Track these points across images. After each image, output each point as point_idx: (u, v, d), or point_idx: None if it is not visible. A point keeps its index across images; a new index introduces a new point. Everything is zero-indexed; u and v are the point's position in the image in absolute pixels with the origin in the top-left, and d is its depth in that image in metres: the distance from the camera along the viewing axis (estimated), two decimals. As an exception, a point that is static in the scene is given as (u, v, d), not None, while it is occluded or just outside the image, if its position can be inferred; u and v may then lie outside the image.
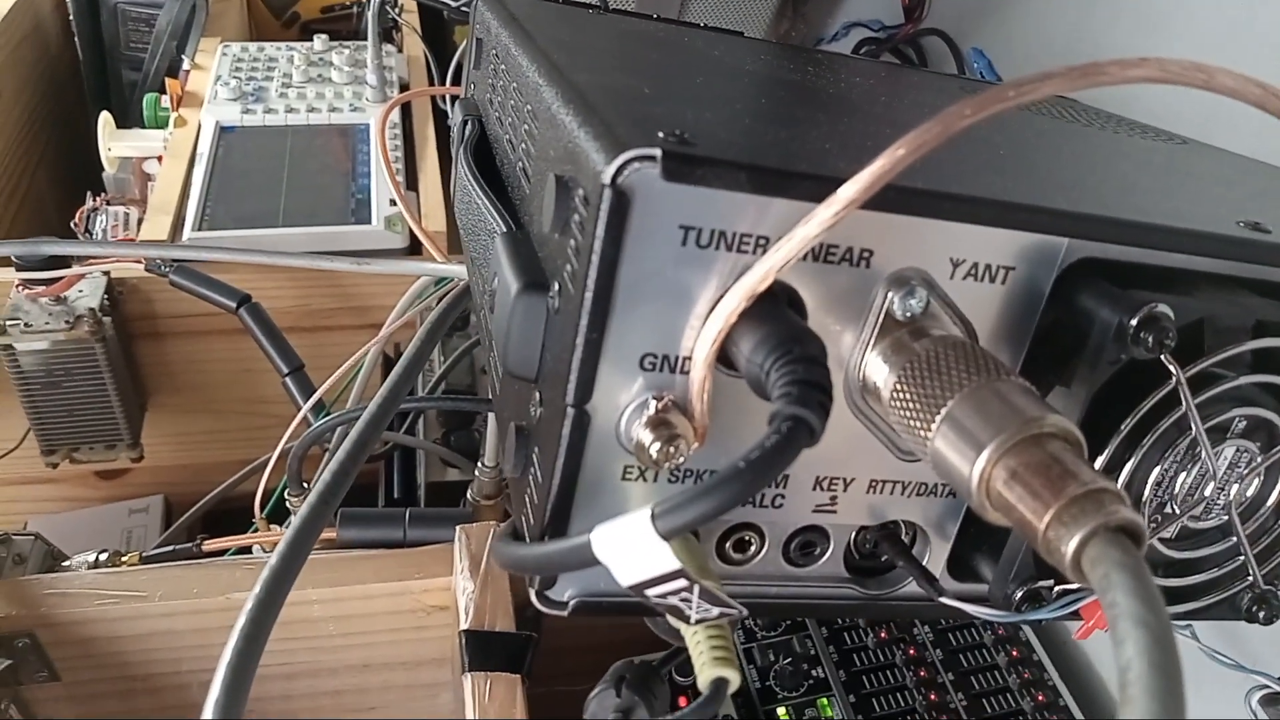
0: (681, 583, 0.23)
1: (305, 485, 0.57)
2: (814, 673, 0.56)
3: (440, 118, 0.91)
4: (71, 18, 1.01)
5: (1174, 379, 0.27)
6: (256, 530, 0.58)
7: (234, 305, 0.64)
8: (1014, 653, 0.58)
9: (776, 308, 0.24)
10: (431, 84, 0.94)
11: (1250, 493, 0.32)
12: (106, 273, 0.68)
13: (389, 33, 1.02)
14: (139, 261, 0.67)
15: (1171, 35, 0.58)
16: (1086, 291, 0.27)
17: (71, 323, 0.65)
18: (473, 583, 0.48)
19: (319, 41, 0.93)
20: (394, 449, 0.67)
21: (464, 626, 0.47)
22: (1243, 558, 0.32)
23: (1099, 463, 0.28)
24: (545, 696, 0.47)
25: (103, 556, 0.55)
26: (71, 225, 0.78)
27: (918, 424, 0.24)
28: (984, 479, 0.22)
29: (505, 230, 0.32)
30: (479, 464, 0.57)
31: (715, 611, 0.24)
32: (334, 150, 0.80)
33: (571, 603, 0.28)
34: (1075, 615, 0.32)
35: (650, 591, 0.23)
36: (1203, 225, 0.29)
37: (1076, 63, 0.21)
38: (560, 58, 0.34)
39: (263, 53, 0.92)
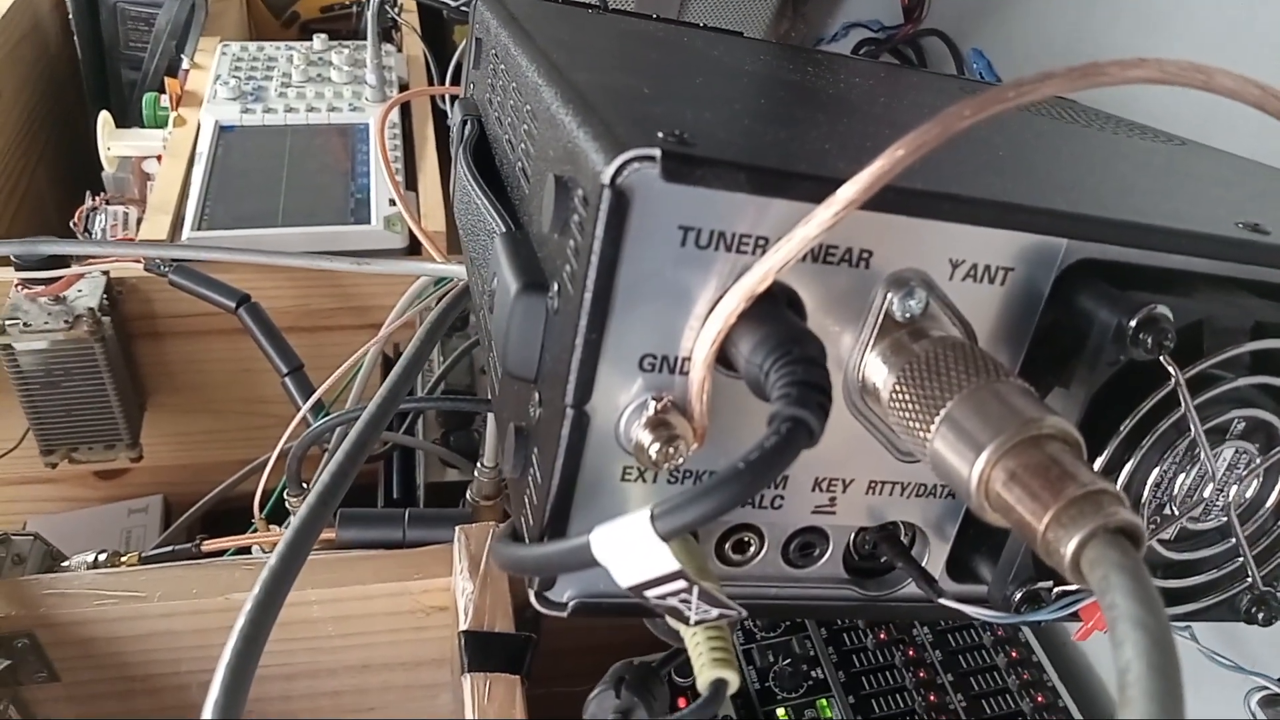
0: (681, 584, 0.23)
1: (304, 485, 0.57)
2: (813, 674, 0.56)
3: (440, 117, 0.91)
4: (71, 17, 1.01)
5: (1173, 380, 0.27)
6: (256, 530, 0.58)
7: (233, 305, 0.64)
8: (1013, 654, 0.58)
9: (776, 308, 0.24)
10: (431, 84, 0.94)
11: (1249, 494, 0.32)
12: (106, 272, 0.68)
13: (388, 32, 1.02)
14: (138, 261, 0.67)
15: (1171, 35, 0.58)
16: (1085, 292, 0.27)
17: (70, 322, 0.65)
18: (472, 583, 0.48)
19: (318, 41, 0.93)
20: (393, 449, 0.67)
21: (463, 627, 0.47)
22: (1242, 559, 0.32)
23: (1098, 464, 0.28)
24: (544, 697, 0.47)
25: (102, 557, 0.55)
26: (71, 225, 0.78)
27: (917, 425, 0.24)
28: (983, 480, 0.22)
29: (504, 230, 0.32)
30: (478, 464, 0.57)
31: (714, 613, 0.24)
32: (333, 150, 0.80)
33: (571, 604, 0.28)
34: (1074, 616, 0.32)
35: (649, 593, 0.23)
36: (1202, 226, 0.29)
37: (1076, 63, 0.21)
38: (559, 57, 0.34)
39: (262, 52, 0.92)
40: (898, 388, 0.25)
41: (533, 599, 0.28)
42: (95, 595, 0.49)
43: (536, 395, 0.27)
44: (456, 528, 0.52)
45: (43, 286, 0.65)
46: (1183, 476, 0.30)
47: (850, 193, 0.21)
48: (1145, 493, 0.29)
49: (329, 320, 0.73)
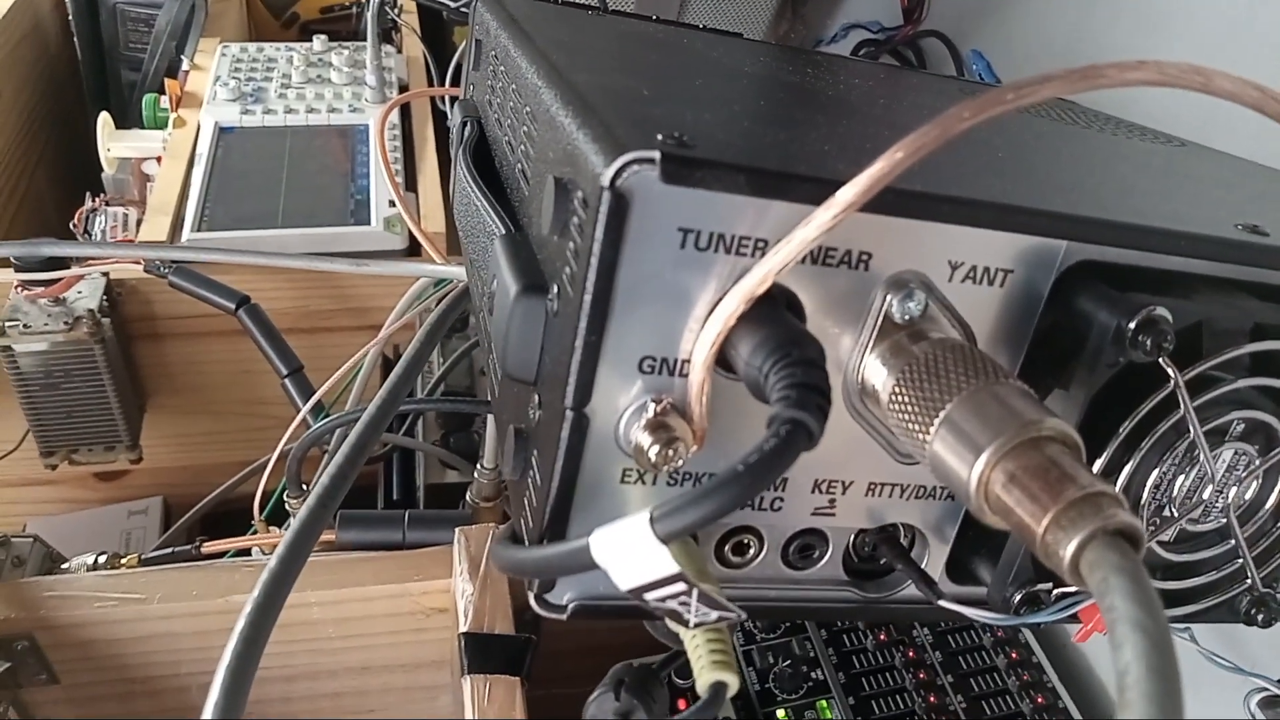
0: (680, 586, 0.23)
1: (304, 487, 0.57)
2: (813, 675, 0.56)
3: (439, 119, 0.91)
4: (71, 18, 1.01)
5: (1172, 382, 0.27)
6: (255, 532, 0.58)
7: (233, 306, 0.64)
8: (1013, 655, 0.58)
9: (775, 311, 0.24)
10: (431, 85, 0.94)
11: (1248, 495, 0.32)
12: (105, 274, 0.68)
13: (388, 33, 1.02)
14: (138, 262, 0.67)
15: (1171, 36, 0.58)
16: (1085, 294, 0.27)
17: (70, 324, 0.65)
18: (472, 585, 0.48)
19: (318, 42, 0.93)
20: (393, 451, 0.67)
21: (463, 629, 0.47)
22: (1241, 560, 0.32)
23: (1097, 466, 0.28)
24: (544, 699, 0.47)
25: (102, 559, 0.55)
26: (70, 226, 0.78)
27: (916, 427, 0.24)
28: (982, 482, 0.22)
29: (504, 232, 0.32)
30: (478, 466, 0.57)
31: (714, 615, 0.24)
32: (333, 151, 0.80)
33: (570, 606, 0.28)
34: (1074, 618, 0.32)
35: (649, 595, 0.23)
36: (1201, 228, 0.29)
37: (1075, 65, 0.21)
38: (559, 59, 0.34)
39: (262, 53, 0.92)
40: (897, 390, 0.25)
41: (532, 601, 0.28)
42: (95, 597, 0.49)
43: (536, 397, 0.27)
44: (456, 529, 0.52)
45: (42, 288, 0.65)
46: (1182, 478, 0.30)
47: (849, 195, 0.21)
48: (1145, 494, 0.29)
49: (329, 321, 0.73)
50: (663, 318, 0.25)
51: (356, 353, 0.60)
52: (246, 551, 0.57)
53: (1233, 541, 0.32)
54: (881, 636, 0.59)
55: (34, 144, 0.95)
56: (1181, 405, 0.28)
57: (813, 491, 0.29)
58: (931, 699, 0.55)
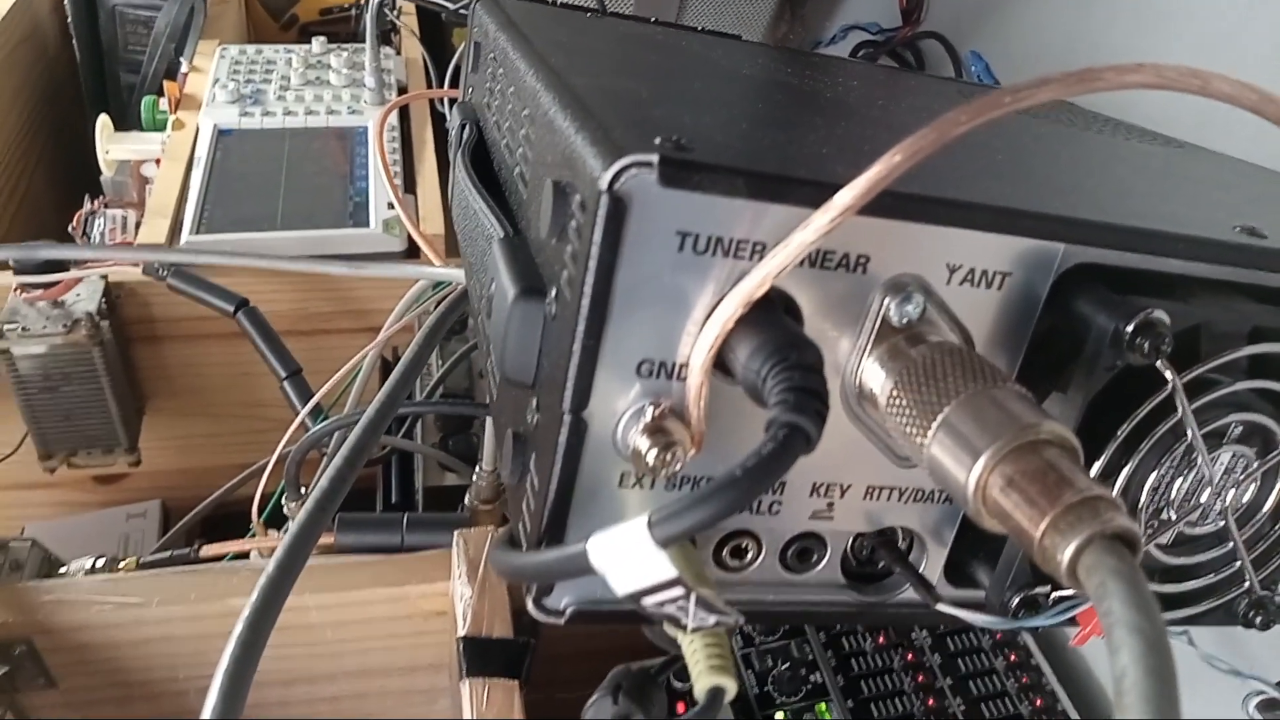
0: (678, 591, 0.23)
1: (303, 490, 0.57)
2: (812, 678, 0.56)
3: (438, 120, 0.91)
4: (70, 20, 1.01)
5: (1170, 385, 0.27)
6: (254, 535, 0.58)
7: (231, 309, 0.64)
8: (1012, 657, 0.58)
9: (773, 314, 0.24)
10: (430, 87, 0.94)
11: (1246, 498, 0.32)
12: (104, 276, 0.68)
13: (387, 35, 1.02)
14: (137, 265, 0.67)
15: (1170, 36, 0.58)
16: (1083, 297, 0.27)
17: (69, 327, 0.65)
18: (470, 588, 0.48)
19: (317, 44, 0.93)
20: (392, 453, 0.67)
21: (462, 632, 0.47)
22: (1239, 563, 0.32)
23: (1095, 469, 0.28)
24: (543, 702, 0.47)
25: (100, 562, 0.55)
26: (69, 229, 0.78)
27: (914, 430, 0.24)
28: (980, 486, 0.22)
29: (503, 235, 0.32)
30: (477, 468, 0.57)
31: (712, 620, 0.24)
32: (332, 153, 0.80)
33: (568, 611, 0.28)
34: (1072, 621, 0.31)
35: (646, 600, 0.23)
36: (1199, 230, 0.29)
37: (1073, 67, 0.21)
38: (558, 61, 0.34)
39: (261, 55, 0.92)
40: (895, 393, 0.25)
41: (530, 606, 0.28)
42: (93, 601, 0.49)
43: (534, 401, 0.27)
44: (455, 532, 0.52)
45: (41, 291, 0.65)
46: (1180, 481, 0.30)
47: (847, 198, 0.21)
48: (1143, 497, 0.29)
49: (327, 324, 0.73)
50: (661, 321, 0.25)
51: (355, 355, 0.60)
52: (245, 555, 0.56)
53: (1231, 544, 0.32)
54: (880, 639, 0.59)
55: (32, 146, 0.95)
56: (1179, 408, 0.28)
57: (811, 495, 0.29)
58: (930, 701, 0.55)
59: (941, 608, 0.31)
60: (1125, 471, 0.29)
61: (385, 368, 0.68)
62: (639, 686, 0.35)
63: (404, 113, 0.88)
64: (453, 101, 0.76)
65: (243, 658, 0.28)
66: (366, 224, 0.73)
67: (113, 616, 0.49)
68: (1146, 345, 0.26)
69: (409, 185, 0.80)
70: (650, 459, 0.24)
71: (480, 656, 0.46)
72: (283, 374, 0.62)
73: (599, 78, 0.34)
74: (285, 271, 0.67)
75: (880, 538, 0.31)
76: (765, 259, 0.23)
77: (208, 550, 0.56)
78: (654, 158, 0.22)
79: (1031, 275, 0.27)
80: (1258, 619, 0.33)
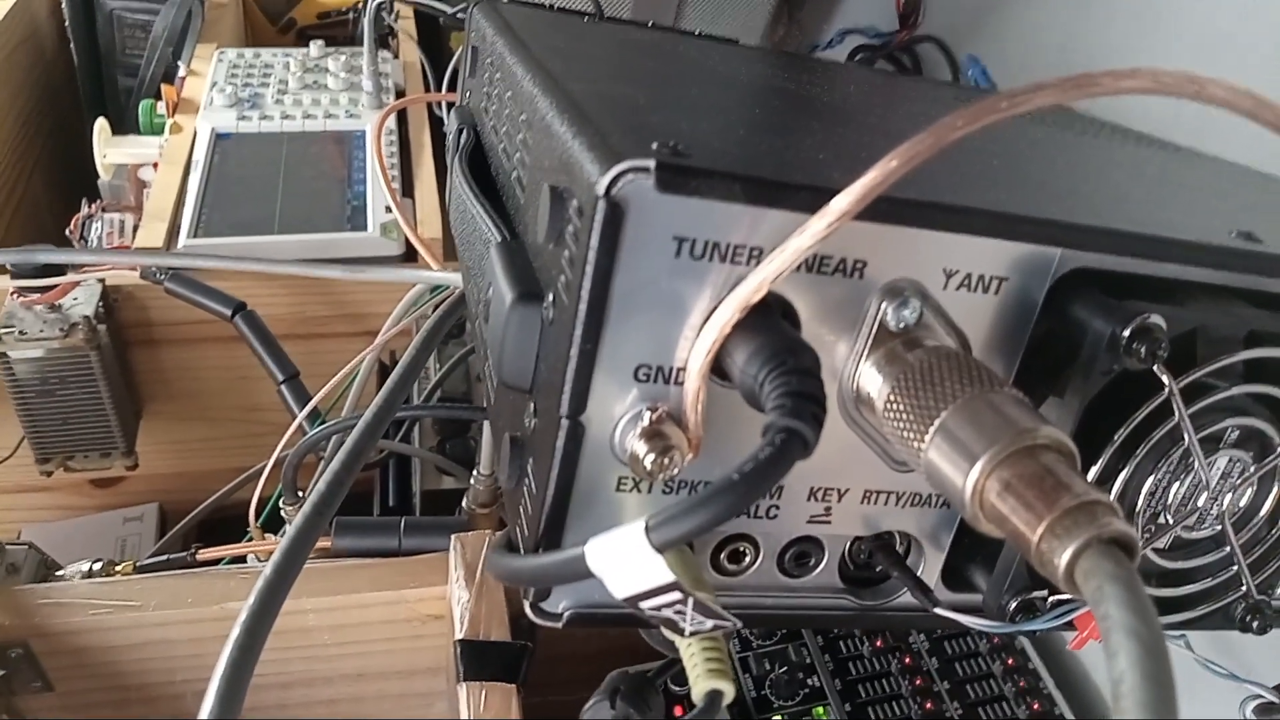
0: (676, 595, 0.23)
1: (300, 494, 0.57)
2: (809, 681, 0.56)
3: (436, 125, 0.91)
4: (67, 24, 1.01)
5: (1167, 389, 0.27)
6: (251, 539, 0.58)
7: (229, 313, 0.64)
8: (1009, 661, 0.58)
9: (770, 319, 0.24)
10: (427, 90, 0.94)
11: (1243, 503, 0.32)
12: (101, 280, 0.68)
13: (385, 39, 1.02)
14: (134, 269, 0.67)
15: (1168, 40, 0.58)
16: (1079, 302, 0.27)
17: (66, 330, 0.65)
18: (468, 592, 0.48)
19: (315, 48, 0.93)
20: (389, 457, 0.67)
21: (459, 636, 0.47)
22: (1236, 568, 0.32)
23: (1092, 473, 0.28)
24: (540, 706, 0.47)
25: (97, 566, 0.55)
26: (67, 233, 0.78)
27: (911, 435, 0.24)
28: (977, 490, 0.22)
29: (500, 239, 0.32)
30: (474, 472, 0.57)
31: (709, 624, 0.24)
32: (329, 157, 0.80)
33: (566, 615, 0.28)
34: (1069, 625, 0.32)
35: (644, 604, 0.23)
36: (1196, 235, 0.29)
37: (1070, 72, 0.21)
38: (555, 66, 0.34)
39: (259, 59, 0.92)
40: (892, 397, 0.25)
41: (528, 610, 0.28)
42: (90, 605, 0.49)
43: (532, 405, 0.27)
44: (452, 536, 0.52)
45: (38, 294, 0.65)
46: (1177, 485, 0.30)
47: (844, 203, 0.21)
48: (1139, 501, 0.29)
49: (325, 328, 0.73)
50: (658, 326, 0.25)
51: (353, 359, 0.60)
52: (242, 558, 0.56)
53: (1227, 548, 0.32)
54: (878, 643, 0.59)
55: (30, 150, 0.95)
56: (1176, 413, 0.28)
57: (808, 499, 0.29)
58: (928, 705, 0.55)
59: (939, 611, 0.31)
60: (1122, 476, 0.29)
61: (383, 371, 0.68)
62: (636, 690, 0.35)
63: (401, 116, 0.88)
64: (450, 105, 0.76)
65: (240, 661, 0.28)
66: (364, 228, 0.73)
67: (110, 620, 0.49)
68: (1143, 350, 0.26)
69: (406, 189, 0.80)
70: (648, 463, 0.24)
71: (478, 660, 0.46)
72: (280, 377, 0.62)
73: (596, 83, 0.34)
74: (283, 275, 0.67)
75: (878, 542, 0.31)
76: (762, 264, 0.23)
77: (205, 554, 0.56)
78: (651, 163, 0.22)
79: (1028, 280, 0.27)
80: (1254, 623, 0.33)
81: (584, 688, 0.40)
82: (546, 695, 0.47)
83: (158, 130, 0.85)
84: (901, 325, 0.26)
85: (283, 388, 0.62)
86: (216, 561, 0.56)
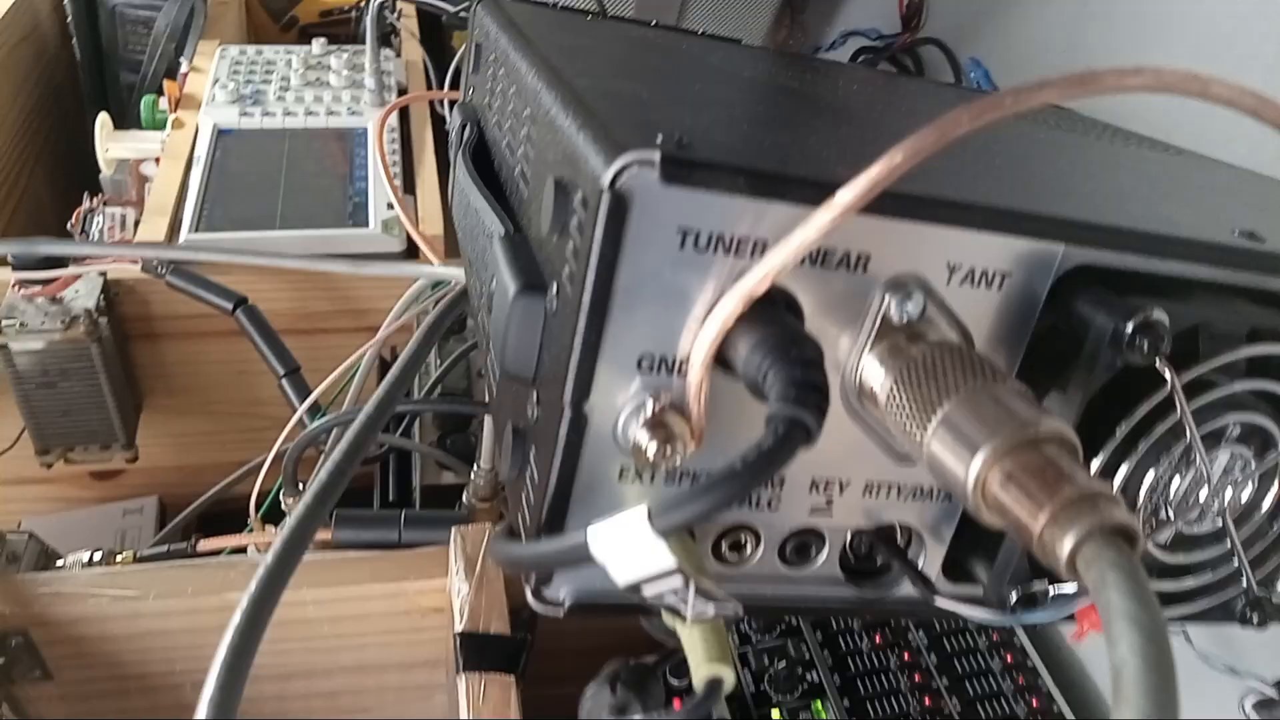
0: (677, 580, 0.23)
1: (300, 487, 0.57)
2: (809, 676, 0.56)
3: (438, 122, 0.91)
4: (70, 19, 1.01)
5: (1169, 385, 0.27)
6: (252, 531, 0.58)
7: (230, 307, 0.64)
8: (1008, 657, 0.58)
9: (774, 311, 0.24)
10: (429, 88, 0.95)
11: (1244, 498, 0.32)
12: (103, 273, 0.68)
13: (387, 37, 1.02)
14: (135, 262, 0.67)
15: (1169, 41, 0.58)
16: (1082, 297, 0.27)
17: (67, 323, 0.65)
18: (468, 585, 0.48)
19: (317, 45, 0.93)
20: (389, 451, 0.67)
21: (459, 628, 0.47)
22: (1237, 562, 0.32)
23: (1094, 467, 0.28)
24: (539, 698, 0.47)
25: (97, 556, 0.55)
26: (68, 226, 0.78)
27: (914, 427, 0.24)
28: (980, 482, 0.22)
29: (504, 232, 0.32)
30: (474, 467, 0.57)
31: (711, 610, 0.24)
32: (331, 154, 0.80)
33: (567, 602, 0.28)
34: (1070, 618, 0.32)
35: (646, 590, 0.23)
36: (1199, 233, 0.29)
37: (1073, 72, 0.21)
38: (559, 63, 0.34)
39: (261, 55, 0.92)
40: (895, 390, 0.25)
41: (529, 597, 0.28)
42: (90, 594, 0.49)
43: (535, 395, 0.27)
44: (453, 528, 0.52)
45: (40, 287, 0.65)
46: (1178, 480, 0.30)
47: (848, 197, 0.21)
48: (1141, 496, 0.30)
49: (326, 323, 0.73)
50: (662, 317, 0.25)
51: (354, 354, 0.60)
52: (242, 549, 0.56)
53: (1228, 544, 0.32)
54: (877, 639, 0.59)
55: (32, 144, 0.95)
56: (1178, 408, 0.28)
57: (810, 490, 0.29)
58: (927, 701, 0.56)
59: (940, 602, 0.31)
60: (1124, 470, 0.29)
61: (383, 367, 0.68)
62: (637, 678, 0.35)
63: (404, 114, 0.88)
64: (452, 103, 0.76)
65: (239, 651, 0.28)
66: (366, 224, 0.73)
67: (109, 609, 0.49)
68: (1146, 345, 0.26)
69: (408, 186, 0.80)
70: (650, 453, 0.25)
71: (477, 652, 0.46)
72: (281, 372, 0.62)
73: (600, 79, 0.34)
74: (284, 270, 0.67)
75: (879, 534, 0.31)
76: (766, 256, 0.23)
77: (205, 544, 0.56)
78: (656, 155, 0.23)
79: (1031, 276, 0.27)
80: (1254, 618, 0.33)
81: (583, 681, 0.40)
82: (546, 688, 0.47)
83: (160, 126, 0.85)
84: (905, 319, 0.26)
85: (284, 382, 0.62)
86: (217, 552, 0.56)
